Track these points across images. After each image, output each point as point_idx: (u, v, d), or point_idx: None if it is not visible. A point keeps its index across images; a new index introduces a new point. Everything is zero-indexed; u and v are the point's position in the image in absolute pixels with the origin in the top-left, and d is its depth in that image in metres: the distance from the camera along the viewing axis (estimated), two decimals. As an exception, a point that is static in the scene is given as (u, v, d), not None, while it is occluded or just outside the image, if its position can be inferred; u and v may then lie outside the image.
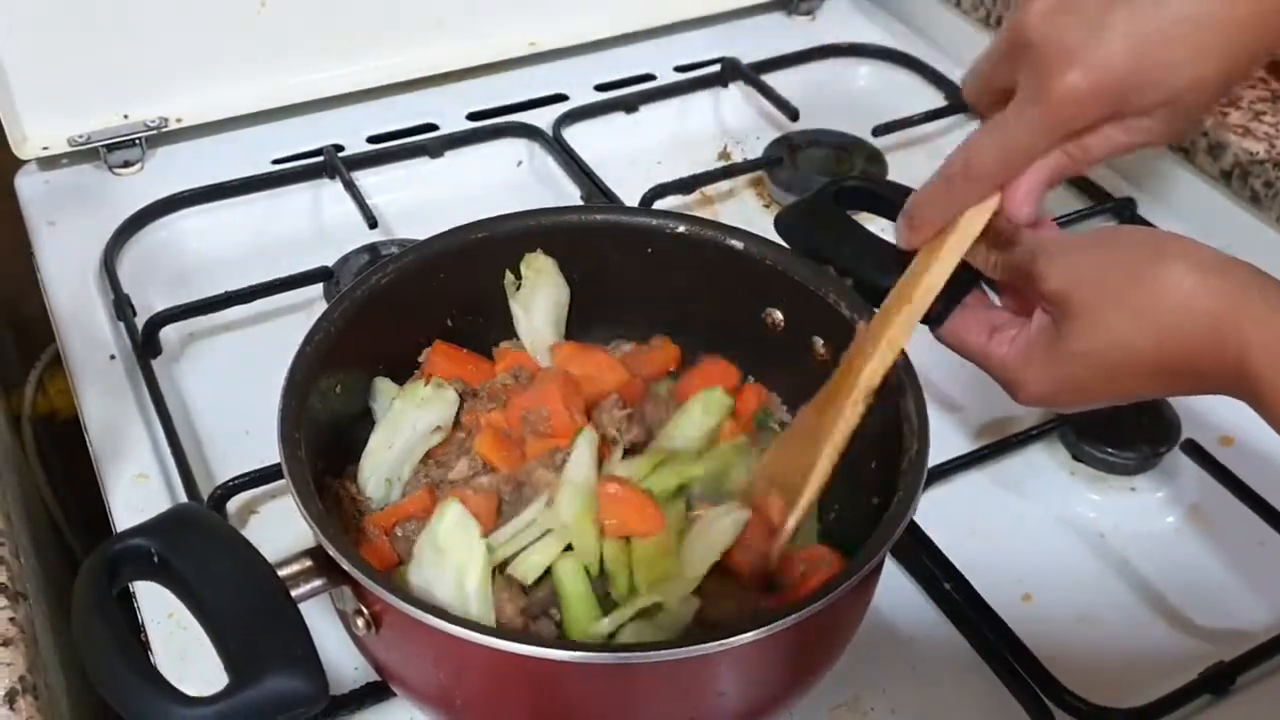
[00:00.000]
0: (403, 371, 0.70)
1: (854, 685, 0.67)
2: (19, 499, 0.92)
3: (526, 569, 0.61)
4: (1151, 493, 0.78)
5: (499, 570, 0.61)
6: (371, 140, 1.04)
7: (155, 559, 0.52)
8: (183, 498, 0.73)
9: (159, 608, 0.68)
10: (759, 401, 0.72)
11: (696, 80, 1.11)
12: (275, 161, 1.01)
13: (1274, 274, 0.93)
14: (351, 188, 0.95)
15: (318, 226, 0.97)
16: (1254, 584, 0.74)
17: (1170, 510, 0.78)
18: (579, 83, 1.11)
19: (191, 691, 0.48)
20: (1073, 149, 0.57)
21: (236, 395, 0.80)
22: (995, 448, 0.79)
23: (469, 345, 0.72)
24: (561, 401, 0.66)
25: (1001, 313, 0.66)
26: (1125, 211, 0.98)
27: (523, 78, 1.11)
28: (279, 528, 0.72)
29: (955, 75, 1.13)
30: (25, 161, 0.99)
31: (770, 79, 1.09)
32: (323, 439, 0.63)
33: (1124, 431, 0.77)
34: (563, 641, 0.57)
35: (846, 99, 1.12)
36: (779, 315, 0.71)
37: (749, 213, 1.01)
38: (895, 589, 0.71)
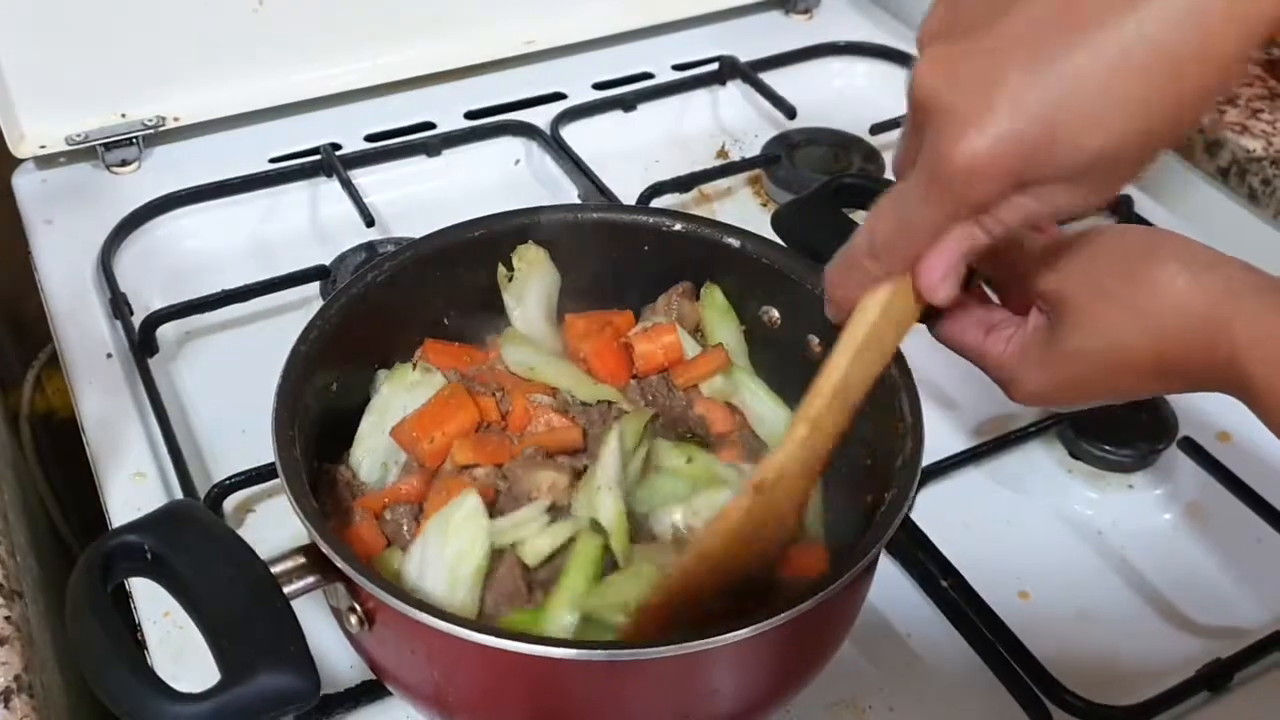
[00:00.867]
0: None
1: (851, 683, 0.67)
2: (16, 498, 0.92)
3: (533, 551, 0.61)
4: (1149, 490, 0.78)
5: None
6: (369, 139, 1.04)
7: (149, 555, 0.52)
8: (179, 496, 0.73)
9: (155, 607, 0.68)
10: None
11: (694, 79, 1.11)
12: (272, 160, 1.01)
13: (1272, 270, 0.94)
14: (349, 186, 0.95)
15: (315, 225, 0.97)
16: (1251, 581, 0.74)
17: (1168, 507, 0.78)
18: (577, 81, 1.11)
19: (187, 691, 0.48)
20: (986, 221, 0.51)
21: (233, 394, 0.80)
22: (993, 445, 0.79)
23: (465, 343, 0.72)
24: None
25: (999, 311, 0.66)
26: (1122, 209, 0.98)
27: (521, 76, 1.11)
28: (275, 526, 0.72)
29: (953, 73, 1.13)
30: (23, 160, 0.98)
31: (768, 77, 1.09)
32: (321, 431, 0.64)
33: (1122, 429, 0.77)
34: (555, 639, 0.56)
35: (844, 97, 1.12)
36: (775, 313, 0.71)
37: (747, 211, 1.01)
38: (893, 587, 0.71)
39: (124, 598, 0.70)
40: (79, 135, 0.98)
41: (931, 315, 0.66)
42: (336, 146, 1.01)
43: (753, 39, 1.16)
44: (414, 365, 0.68)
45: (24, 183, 0.99)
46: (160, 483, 0.76)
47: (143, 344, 0.83)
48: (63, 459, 1.13)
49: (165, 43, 0.98)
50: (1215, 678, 0.66)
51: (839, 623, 0.59)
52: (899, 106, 1.06)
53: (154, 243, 0.94)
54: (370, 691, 0.64)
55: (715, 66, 1.12)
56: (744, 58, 1.11)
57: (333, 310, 0.65)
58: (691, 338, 0.72)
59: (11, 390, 1.17)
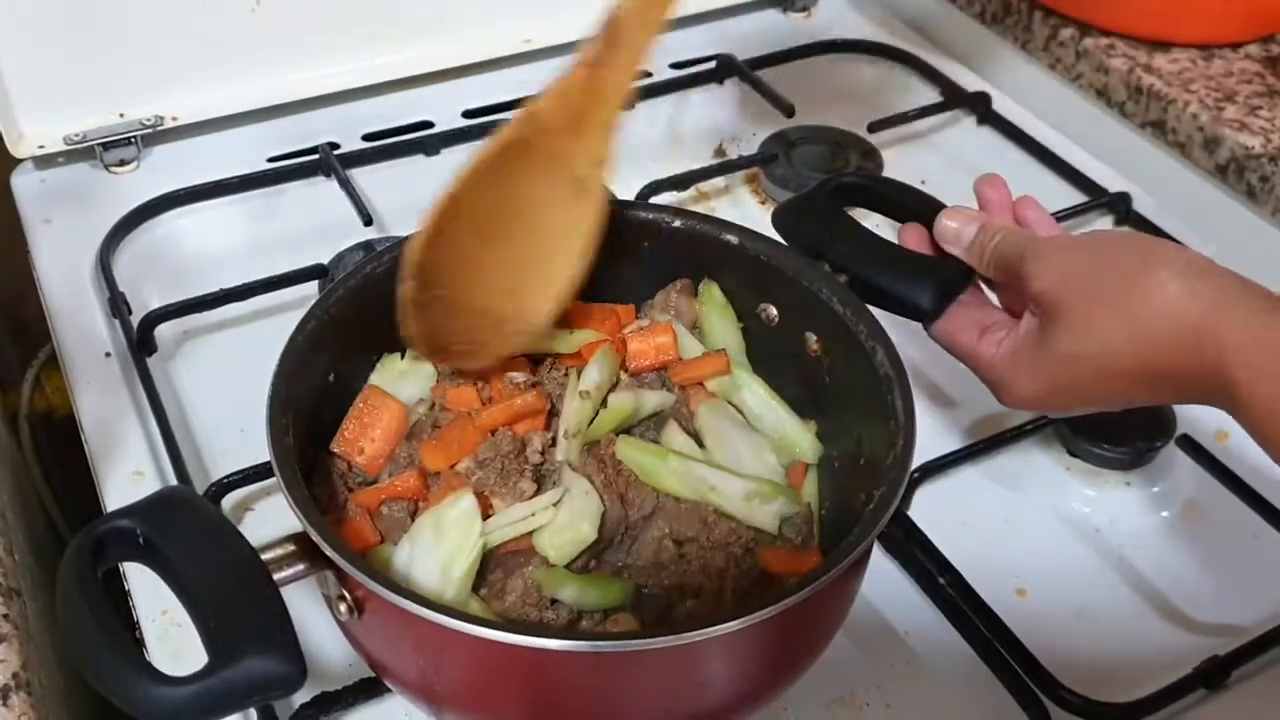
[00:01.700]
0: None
1: (849, 681, 0.67)
2: (15, 496, 0.92)
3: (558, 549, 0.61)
4: (1147, 488, 0.78)
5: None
6: (367, 138, 1.04)
7: (141, 540, 0.52)
8: (178, 494, 0.73)
9: (154, 605, 0.68)
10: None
11: (692, 77, 1.11)
12: (271, 159, 1.01)
13: (1270, 267, 0.94)
14: (347, 185, 0.95)
15: (313, 224, 0.97)
16: (1249, 579, 0.74)
17: (1165, 505, 0.78)
18: (575, 80, 1.10)
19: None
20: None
21: (231, 392, 0.79)
22: (990, 443, 0.79)
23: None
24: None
25: (994, 312, 0.66)
26: (1121, 206, 0.98)
27: (519, 75, 1.10)
28: (273, 524, 0.72)
29: (950, 71, 1.13)
30: (21, 160, 0.99)
31: (766, 75, 1.09)
32: (319, 423, 0.64)
33: (1119, 426, 0.77)
34: (540, 628, 0.57)
35: (842, 95, 1.12)
36: (774, 310, 0.71)
37: (745, 209, 1.01)
38: (890, 584, 0.71)
39: (123, 596, 0.70)
40: (77, 135, 0.98)
41: (928, 316, 0.66)
42: (335, 146, 1.01)
43: (750, 37, 1.16)
44: (401, 355, 0.68)
45: (22, 182, 0.99)
46: (159, 481, 0.76)
47: (141, 343, 0.83)
48: (62, 458, 1.13)
49: (163, 42, 0.98)
50: (1213, 675, 0.66)
51: (830, 617, 0.59)
52: (896, 104, 1.07)
53: (152, 242, 0.94)
54: (367, 689, 0.64)
55: (713, 64, 1.12)
56: (742, 56, 1.11)
57: (330, 302, 0.65)
58: (691, 335, 0.72)
59: (10, 389, 1.17)
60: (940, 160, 1.05)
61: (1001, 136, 1.07)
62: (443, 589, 0.58)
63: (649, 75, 1.12)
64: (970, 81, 1.12)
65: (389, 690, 0.63)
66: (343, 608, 0.55)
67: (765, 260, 0.69)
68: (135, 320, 0.84)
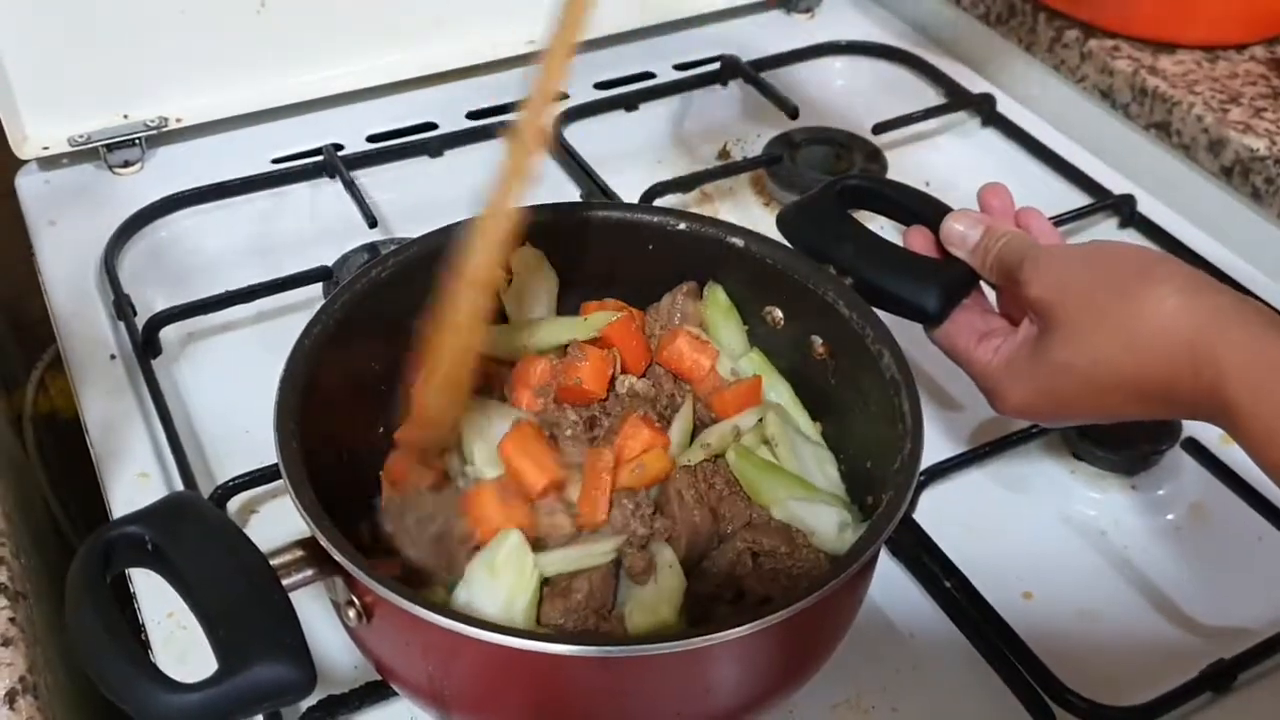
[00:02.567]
0: (403, 364, 0.70)
1: (855, 683, 0.67)
2: (20, 499, 0.92)
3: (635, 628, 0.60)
4: (1152, 490, 0.78)
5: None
6: (371, 139, 1.04)
7: (149, 546, 0.52)
8: (183, 497, 0.74)
9: (159, 608, 0.68)
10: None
11: (696, 78, 1.11)
12: (275, 161, 1.01)
13: (1275, 269, 0.94)
14: (351, 187, 0.95)
15: (317, 226, 0.97)
16: (1255, 581, 0.74)
17: (1171, 509, 0.77)
18: (579, 81, 1.10)
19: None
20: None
21: (237, 394, 0.80)
22: (996, 446, 0.78)
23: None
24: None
25: (995, 319, 0.66)
26: (1125, 208, 0.98)
27: (522, 77, 1.10)
28: (280, 526, 0.71)
29: (955, 73, 1.13)
30: (26, 161, 0.99)
31: (770, 77, 1.09)
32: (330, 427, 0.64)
33: (1124, 430, 0.77)
34: (547, 634, 0.56)
35: (846, 96, 1.12)
36: (779, 313, 0.71)
37: (749, 211, 1.01)
38: (896, 587, 0.71)
39: (128, 598, 0.70)
40: (82, 136, 0.98)
41: (933, 319, 0.66)
42: (339, 147, 1.01)
43: (754, 38, 1.16)
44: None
45: (27, 184, 0.99)
46: (164, 484, 0.76)
47: (146, 345, 0.83)
48: (67, 460, 1.13)
49: (168, 44, 0.98)
50: (1219, 678, 0.66)
51: (838, 621, 0.59)
52: (900, 106, 1.07)
53: (157, 244, 0.94)
54: (375, 692, 0.64)
55: (717, 66, 1.12)
56: (746, 57, 1.11)
57: (337, 305, 0.65)
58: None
59: (15, 391, 1.17)
60: (944, 162, 1.05)
61: (1006, 138, 1.07)
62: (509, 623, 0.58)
63: (653, 76, 1.12)
64: (974, 83, 1.12)
65: (396, 694, 0.63)
66: (351, 613, 0.55)
67: (770, 263, 0.69)
68: (140, 322, 0.84)
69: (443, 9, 1.06)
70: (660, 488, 0.64)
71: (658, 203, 0.95)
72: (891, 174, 1.00)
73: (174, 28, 0.97)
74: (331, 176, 0.98)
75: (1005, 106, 1.09)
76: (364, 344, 0.67)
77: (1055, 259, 0.59)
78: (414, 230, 0.92)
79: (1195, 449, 0.78)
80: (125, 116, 0.99)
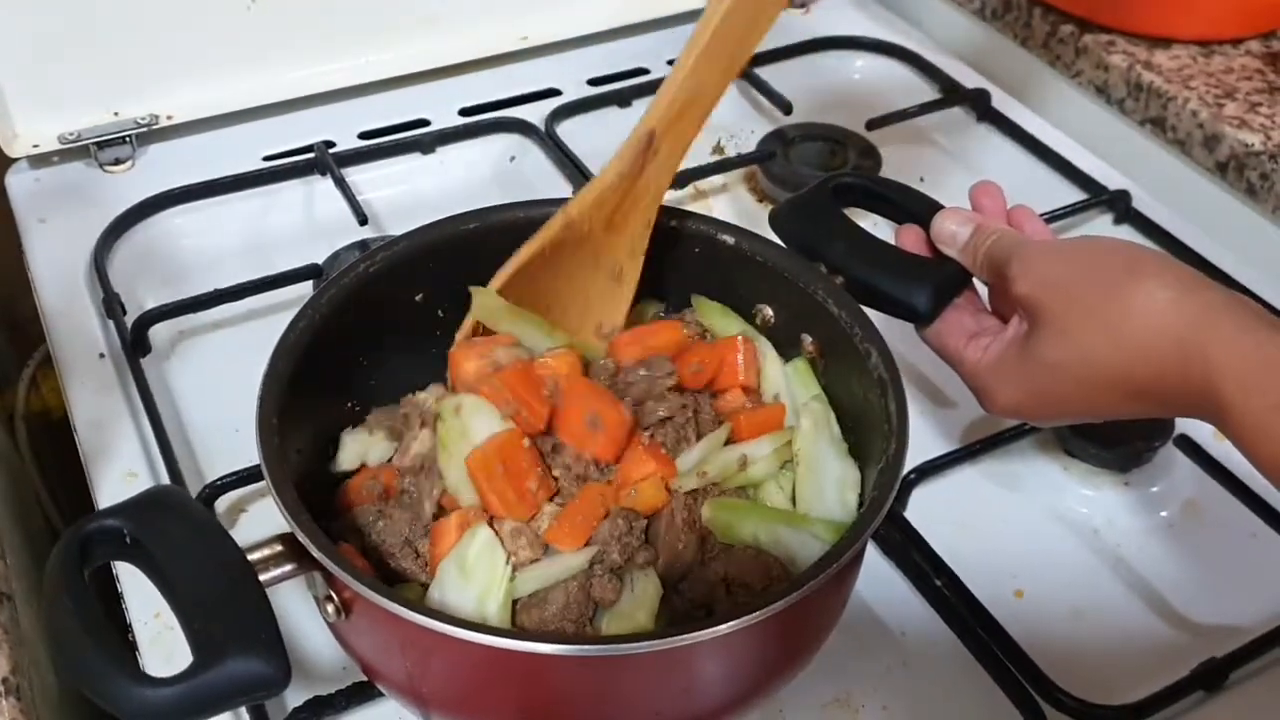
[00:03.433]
0: (391, 362, 0.70)
1: (845, 682, 0.67)
2: (11, 497, 0.92)
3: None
4: (1145, 488, 0.78)
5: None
6: (363, 136, 1.03)
7: (127, 539, 0.52)
8: (171, 496, 0.73)
9: (146, 609, 0.68)
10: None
11: (690, 74, 1.10)
12: (266, 158, 1.00)
13: (1270, 265, 0.93)
14: (342, 184, 0.95)
15: (309, 223, 0.97)
16: (1248, 579, 0.73)
17: (1163, 506, 0.77)
18: (571, 77, 1.10)
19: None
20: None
21: (226, 393, 0.78)
22: (988, 443, 0.78)
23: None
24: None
25: (986, 318, 0.66)
26: (1120, 204, 0.98)
27: (515, 73, 1.10)
28: (268, 525, 0.70)
29: (949, 68, 1.12)
30: (15, 159, 0.98)
31: (763, 72, 1.09)
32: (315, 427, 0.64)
33: (1117, 427, 0.76)
34: (521, 632, 0.56)
35: (840, 92, 1.11)
36: (769, 312, 0.71)
37: (742, 207, 1.01)
38: (886, 585, 0.71)
39: (116, 598, 0.70)
40: (72, 134, 0.97)
41: (924, 319, 0.66)
42: (330, 144, 1.01)
43: (749, 34, 1.15)
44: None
45: (17, 182, 0.99)
46: (152, 482, 0.76)
47: (135, 343, 0.83)
48: (58, 458, 1.13)
49: (158, 41, 0.97)
50: (1211, 676, 0.66)
51: (822, 619, 0.59)
52: (895, 101, 1.07)
53: (147, 242, 0.94)
54: (361, 693, 0.64)
55: (711, 62, 1.11)
56: (740, 53, 1.11)
57: (323, 301, 0.64)
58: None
59: (6, 390, 1.17)
60: (939, 157, 1.05)
61: (1000, 134, 1.06)
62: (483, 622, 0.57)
63: (647, 73, 1.12)
64: (969, 78, 1.11)
65: (382, 695, 0.63)
66: (330, 608, 0.55)
67: (761, 261, 0.69)
68: (130, 320, 0.84)
69: (435, 5, 1.06)
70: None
71: (650, 199, 0.94)
72: (886, 170, 1.00)
73: (164, 25, 0.97)
74: (323, 174, 0.98)
75: (1000, 102, 1.08)
76: (350, 340, 0.66)
77: (1042, 255, 0.59)
78: (406, 227, 0.91)
79: (1188, 446, 0.77)
80: (115, 114, 0.99)
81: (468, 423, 0.61)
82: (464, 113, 1.06)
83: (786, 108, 1.04)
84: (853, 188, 0.74)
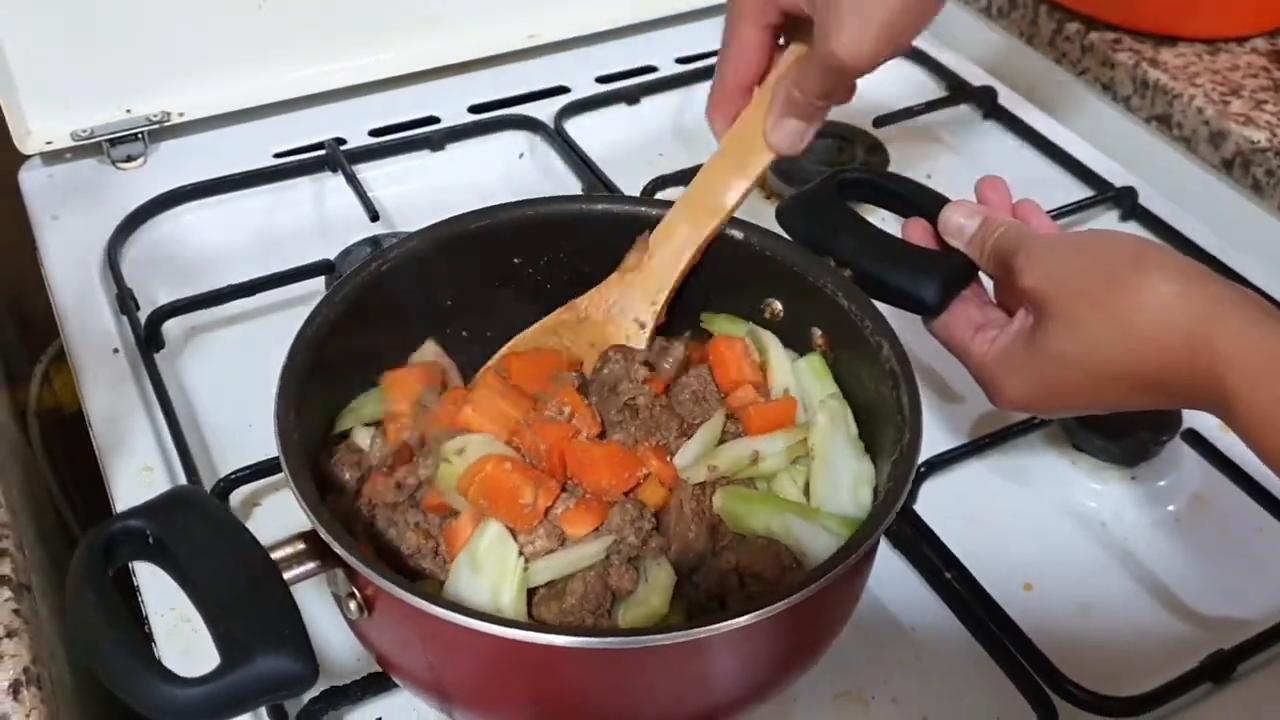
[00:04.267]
0: (402, 355, 0.70)
1: (856, 674, 0.67)
2: (25, 492, 0.92)
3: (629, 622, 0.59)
4: (1152, 482, 0.78)
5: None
6: (373, 133, 1.04)
7: (151, 539, 0.52)
8: (186, 490, 0.74)
9: (162, 601, 0.68)
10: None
11: (699, 71, 1.11)
12: (277, 155, 1.01)
13: (1275, 261, 0.94)
14: (353, 181, 0.95)
15: (319, 219, 0.98)
16: (1255, 572, 0.74)
17: (1171, 499, 0.78)
18: (580, 75, 1.11)
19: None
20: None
21: (239, 388, 0.80)
22: (996, 437, 0.79)
23: (469, 331, 0.72)
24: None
25: (992, 311, 0.66)
26: (1126, 200, 0.98)
27: (524, 70, 1.11)
28: (282, 519, 0.72)
29: (956, 66, 1.13)
30: (29, 156, 0.99)
31: (771, 70, 1.09)
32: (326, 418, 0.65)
33: (1125, 421, 0.77)
34: (546, 626, 0.57)
35: (848, 90, 1.12)
36: (778, 305, 0.71)
37: (750, 203, 1.00)
38: (897, 579, 0.72)
39: (132, 592, 0.70)
40: (85, 131, 0.98)
41: (931, 311, 0.67)
42: (341, 141, 1.01)
43: (756, 32, 1.16)
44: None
45: (30, 179, 0.99)
46: (167, 477, 0.76)
47: (149, 339, 0.83)
48: (71, 454, 1.13)
49: (170, 39, 0.98)
50: (1219, 668, 0.66)
51: (836, 612, 0.59)
52: (902, 98, 1.07)
53: (160, 238, 0.94)
54: (376, 684, 0.64)
55: (719, 59, 1.11)
56: (748, 51, 1.11)
57: (338, 297, 0.65)
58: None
59: (20, 385, 1.17)
60: (946, 154, 1.05)
61: (1007, 130, 1.07)
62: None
63: (655, 70, 1.12)
64: (976, 76, 1.12)
65: (397, 685, 0.63)
66: (352, 606, 0.55)
67: (770, 255, 0.70)
68: (143, 316, 0.84)
69: (445, 4, 1.06)
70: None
71: (659, 196, 0.95)
72: (893, 167, 1.01)
73: (176, 23, 0.98)
74: (333, 170, 0.98)
75: (1007, 100, 1.09)
76: (366, 335, 0.67)
77: (1049, 248, 0.59)
78: (416, 224, 0.92)
79: (1195, 440, 0.78)
80: (128, 111, 0.99)
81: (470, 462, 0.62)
82: (473, 110, 1.07)
83: (794, 105, 1.05)
84: (859, 182, 0.75)
